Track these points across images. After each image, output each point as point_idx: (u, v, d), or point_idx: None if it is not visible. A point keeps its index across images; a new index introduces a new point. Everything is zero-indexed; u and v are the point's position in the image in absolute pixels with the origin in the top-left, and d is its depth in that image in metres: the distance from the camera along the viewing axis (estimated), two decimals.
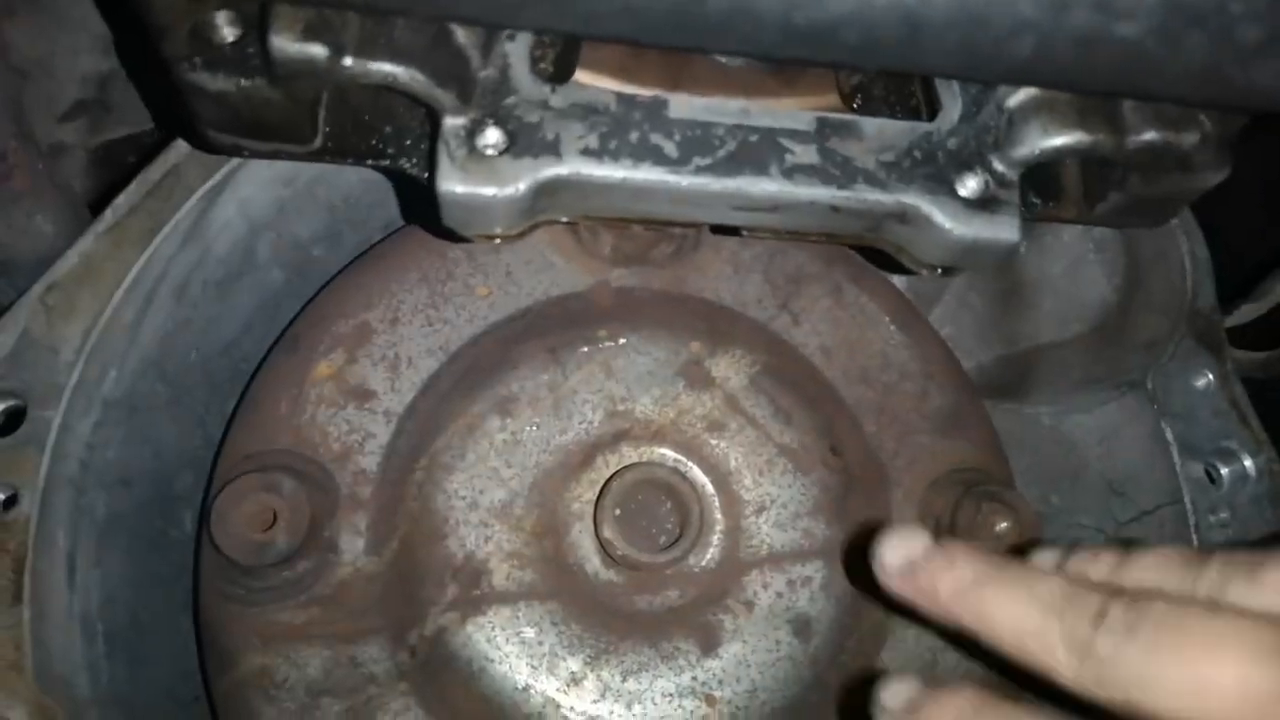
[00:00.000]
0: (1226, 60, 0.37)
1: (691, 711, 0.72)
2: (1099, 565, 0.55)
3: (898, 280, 0.92)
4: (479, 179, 0.53)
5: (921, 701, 0.55)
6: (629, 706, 0.72)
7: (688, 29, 0.36)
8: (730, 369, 0.79)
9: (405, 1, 0.34)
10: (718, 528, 0.76)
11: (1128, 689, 0.48)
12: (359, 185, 0.85)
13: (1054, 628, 0.50)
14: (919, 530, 0.58)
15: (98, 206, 0.90)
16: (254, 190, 0.78)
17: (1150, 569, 0.53)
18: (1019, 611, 0.52)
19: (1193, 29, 0.36)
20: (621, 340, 0.79)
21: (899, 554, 0.57)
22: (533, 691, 0.71)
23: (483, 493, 0.74)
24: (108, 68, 0.92)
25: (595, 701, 0.71)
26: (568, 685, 0.71)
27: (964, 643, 0.56)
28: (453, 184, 0.53)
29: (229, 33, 0.51)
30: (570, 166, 0.55)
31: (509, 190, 0.54)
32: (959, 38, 0.36)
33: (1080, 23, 0.36)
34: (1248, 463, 0.82)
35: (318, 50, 0.49)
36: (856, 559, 0.71)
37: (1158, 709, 0.47)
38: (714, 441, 0.78)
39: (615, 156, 0.55)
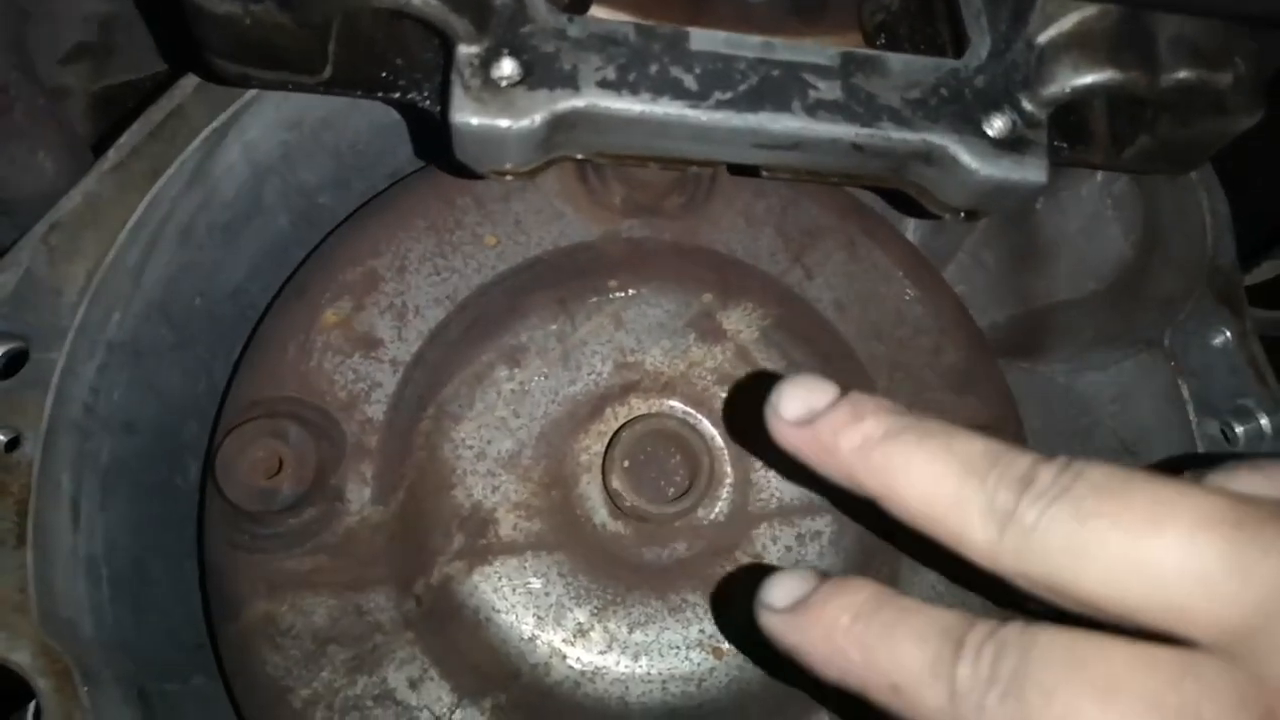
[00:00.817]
0: None
1: (699, 664, 0.72)
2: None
3: (912, 238, 0.91)
4: (494, 110, 0.52)
5: (811, 599, 0.48)
6: (635, 658, 0.71)
7: None
8: (742, 322, 0.78)
9: None
10: (727, 480, 0.75)
11: (1051, 564, 0.41)
12: (367, 131, 0.84)
13: (973, 491, 0.43)
14: (824, 381, 0.50)
15: (99, 151, 0.89)
16: (259, 133, 0.76)
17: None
18: (933, 471, 0.44)
19: None
20: (632, 291, 0.78)
21: (798, 403, 0.49)
22: (539, 642, 0.70)
23: (490, 443, 0.74)
24: (110, 9, 0.90)
25: (602, 653, 0.71)
26: (574, 636, 0.71)
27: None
28: (466, 115, 0.52)
29: None
30: (587, 98, 0.53)
31: (524, 122, 0.52)
32: None
33: None
34: (1264, 421, 0.81)
35: None
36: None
37: (1084, 588, 0.41)
38: (724, 394, 0.77)
39: (634, 89, 0.53)
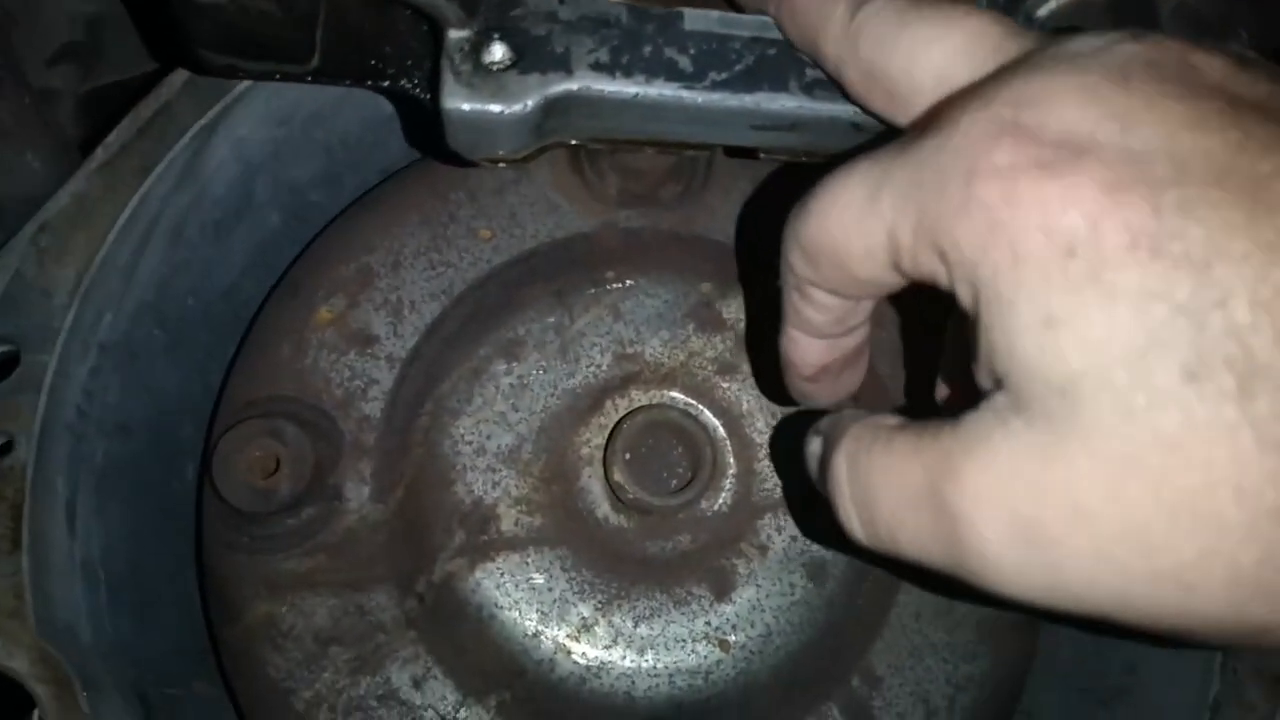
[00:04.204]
0: None
1: (705, 656, 0.71)
2: None
3: None
4: (485, 95, 0.51)
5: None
6: (641, 652, 0.71)
7: None
8: (741, 310, 0.77)
9: None
10: (730, 471, 0.74)
11: (871, 54, 0.49)
12: (357, 126, 0.83)
13: (835, 9, 0.51)
14: None
15: (88, 151, 0.88)
16: (249, 129, 0.75)
17: None
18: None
19: None
20: (629, 282, 0.77)
21: None
22: (543, 638, 0.70)
23: (489, 438, 0.73)
24: (97, 10, 0.89)
25: (607, 647, 0.70)
26: (579, 631, 0.70)
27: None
28: (458, 101, 0.51)
29: None
30: (580, 82, 0.52)
31: (517, 107, 0.52)
32: None
33: None
34: None
35: None
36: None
37: (890, 71, 0.49)
38: (725, 384, 0.76)
39: (628, 71, 0.52)
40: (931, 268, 0.43)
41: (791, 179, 0.76)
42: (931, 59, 0.47)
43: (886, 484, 0.45)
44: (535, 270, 0.76)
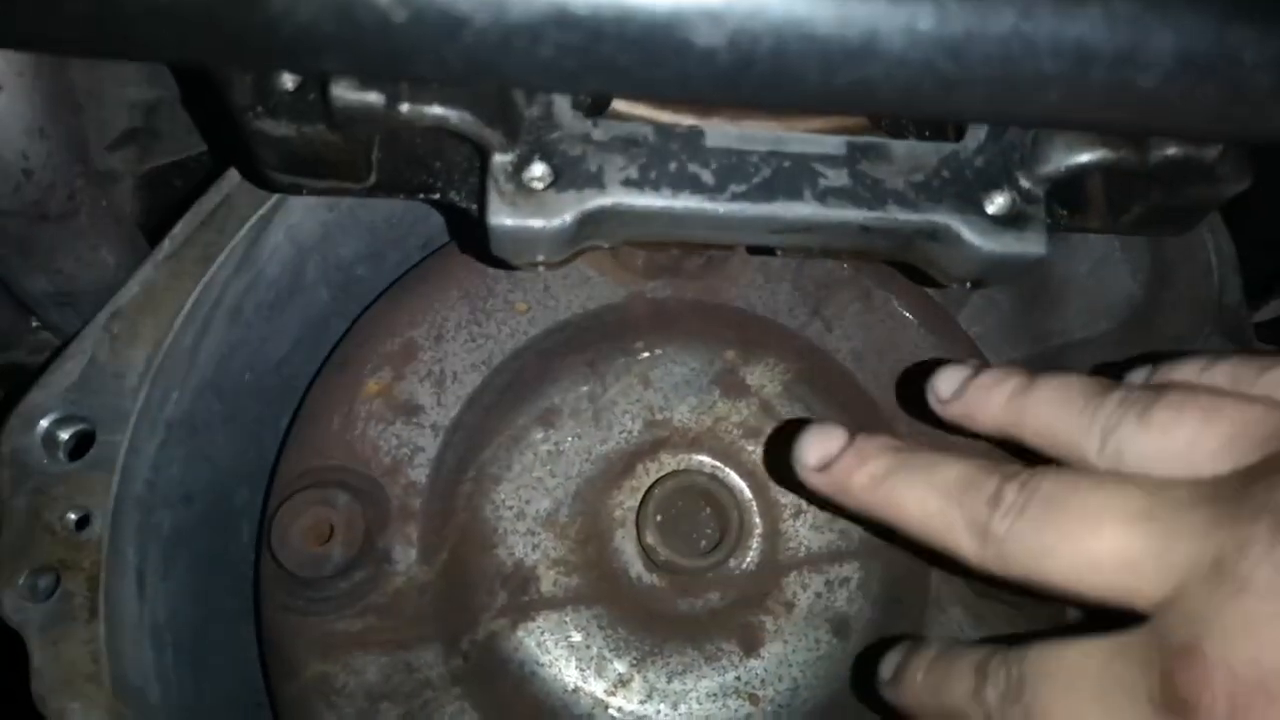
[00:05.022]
0: (1240, 105, 0.39)
1: (735, 710, 0.75)
2: (1002, 389, 0.59)
3: None
4: (527, 212, 0.56)
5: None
6: (675, 706, 0.74)
7: (736, 89, 0.38)
8: (764, 376, 0.81)
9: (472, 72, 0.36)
10: (756, 531, 0.78)
11: (1026, 565, 0.52)
12: (399, 207, 0.88)
13: (955, 513, 0.54)
14: (836, 427, 0.61)
15: (147, 230, 0.94)
16: (301, 216, 0.81)
17: (1051, 404, 0.57)
18: (923, 498, 0.56)
19: (1207, 80, 0.38)
20: (658, 351, 0.81)
21: (816, 451, 0.61)
22: (582, 693, 0.74)
23: (529, 502, 0.77)
24: (154, 95, 0.95)
25: (642, 702, 0.74)
26: (615, 686, 0.74)
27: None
28: (503, 218, 0.56)
29: (290, 81, 0.54)
30: (613, 197, 0.57)
31: (556, 222, 0.56)
32: (987, 92, 0.38)
33: (1100, 76, 0.38)
34: None
35: (375, 98, 0.52)
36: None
37: (1050, 580, 0.52)
38: (750, 447, 0.80)
39: (655, 186, 0.57)
40: None
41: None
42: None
43: None
44: (569, 341, 0.81)
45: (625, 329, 0.81)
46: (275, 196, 0.77)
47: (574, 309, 0.82)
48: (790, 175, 0.58)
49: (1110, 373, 0.64)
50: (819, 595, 0.78)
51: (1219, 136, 0.51)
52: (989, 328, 0.97)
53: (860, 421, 0.81)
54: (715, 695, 0.75)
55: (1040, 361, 0.95)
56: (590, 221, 0.58)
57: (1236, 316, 0.87)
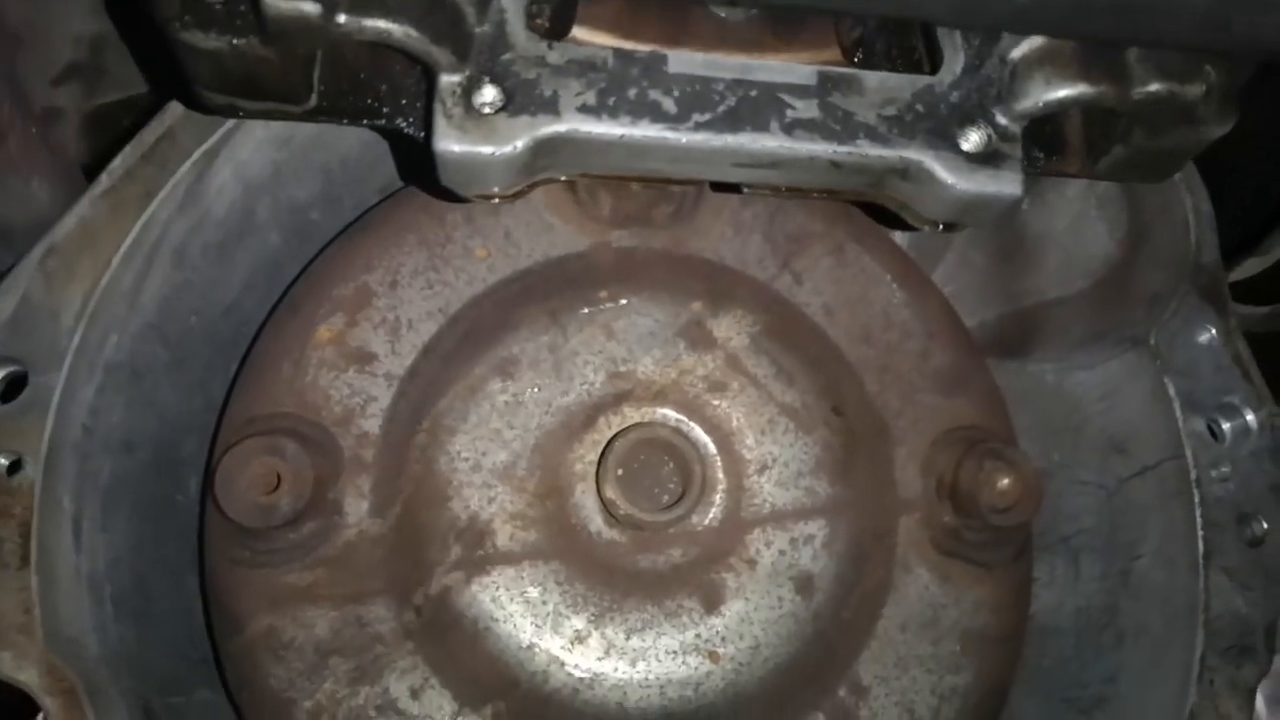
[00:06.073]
0: (1233, 7, 0.36)
1: (695, 668, 0.73)
2: None
3: (900, 239, 0.92)
4: (476, 138, 0.53)
5: None
6: (633, 664, 0.73)
7: None
8: (732, 329, 0.79)
9: None
10: (720, 487, 0.76)
11: None
12: (356, 148, 0.85)
13: None
14: None
15: (93, 170, 0.89)
16: (250, 153, 0.77)
17: None
18: None
19: None
20: (622, 301, 0.79)
21: None
22: (537, 650, 0.72)
23: (485, 454, 0.75)
24: (100, 29, 0.91)
25: (600, 659, 0.72)
26: (572, 643, 0.72)
27: None
28: (450, 143, 0.53)
29: None
30: (568, 124, 0.54)
31: (507, 149, 0.54)
32: None
33: None
34: (1250, 417, 0.81)
35: (310, 7, 0.49)
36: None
37: None
38: (716, 402, 0.78)
39: (614, 113, 0.54)
40: None
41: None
42: None
43: None
44: (530, 290, 0.78)
45: (589, 278, 0.79)
46: (220, 131, 0.74)
47: (536, 257, 0.79)
48: (757, 105, 0.55)
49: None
50: (782, 553, 0.76)
51: (1205, 44, 0.48)
52: (963, 286, 0.95)
53: (829, 377, 0.80)
54: (675, 653, 0.73)
55: (1015, 320, 0.93)
56: (544, 150, 0.55)
57: (1213, 276, 0.85)
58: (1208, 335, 0.83)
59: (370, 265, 0.78)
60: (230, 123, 0.74)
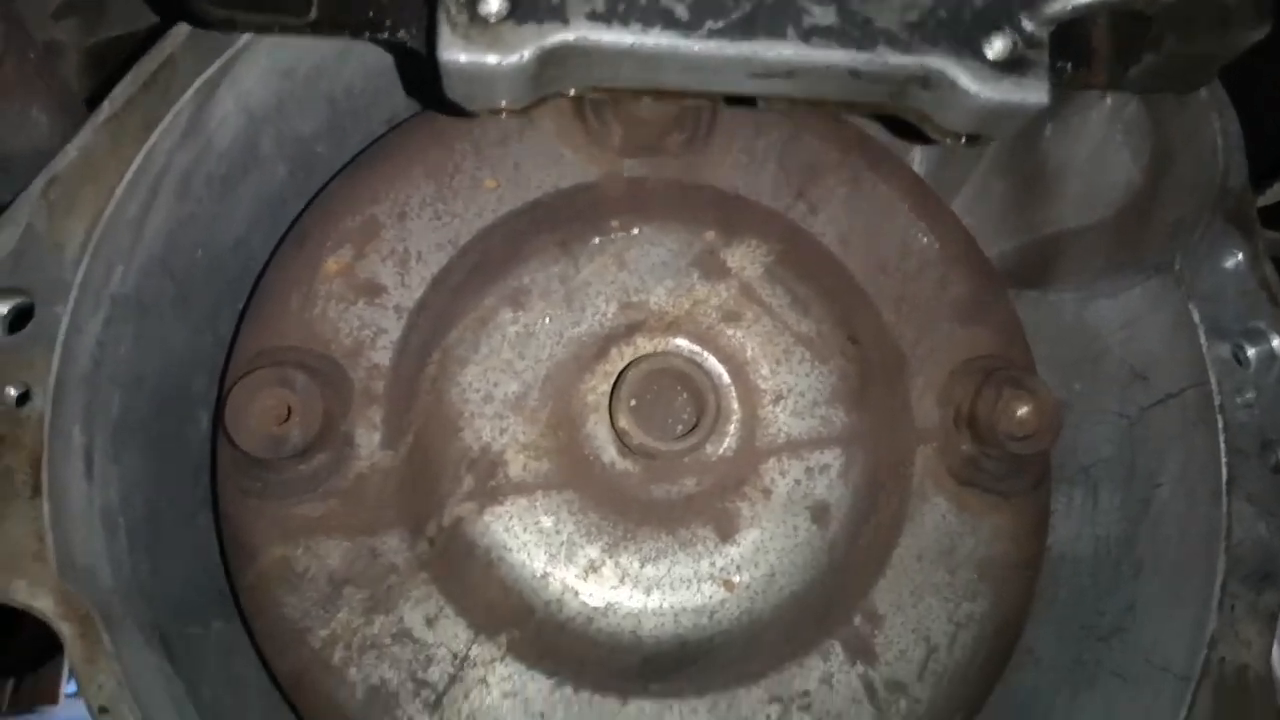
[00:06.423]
0: None
1: (710, 596, 0.73)
2: None
3: (919, 168, 0.90)
4: (482, 47, 0.51)
5: None
6: (647, 592, 0.72)
7: None
8: (745, 259, 0.78)
9: None
10: (734, 416, 0.75)
11: None
12: (361, 78, 0.83)
13: None
14: None
15: (94, 106, 0.88)
16: (252, 82, 0.75)
17: None
18: None
19: None
20: (634, 231, 0.77)
21: None
22: (551, 579, 0.72)
23: (496, 385, 0.74)
24: None
25: (614, 587, 0.72)
26: (586, 572, 0.72)
27: None
28: (454, 53, 0.51)
29: None
30: (577, 32, 0.52)
31: (513, 58, 0.52)
32: None
33: None
34: (1276, 343, 0.80)
35: None
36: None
37: None
38: (730, 331, 0.77)
39: (624, 20, 0.52)
40: None
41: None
42: None
43: None
44: (540, 220, 0.77)
45: (600, 208, 0.77)
46: (221, 59, 0.72)
47: (545, 187, 0.77)
48: (773, 10, 0.53)
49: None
50: (798, 482, 0.75)
51: None
52: (983, 216, 0.93)
53: (845, 306, 0.78)
54: (689, 581, 0.73)
55: (1034, 250, 0.91)
56: (552, 60, 0.53)
57: (1240, 200, 0.83)
58: (1234, 260, 0.81)
59: (377, 197, 0.76)
60: (231, 50, 0.73)
